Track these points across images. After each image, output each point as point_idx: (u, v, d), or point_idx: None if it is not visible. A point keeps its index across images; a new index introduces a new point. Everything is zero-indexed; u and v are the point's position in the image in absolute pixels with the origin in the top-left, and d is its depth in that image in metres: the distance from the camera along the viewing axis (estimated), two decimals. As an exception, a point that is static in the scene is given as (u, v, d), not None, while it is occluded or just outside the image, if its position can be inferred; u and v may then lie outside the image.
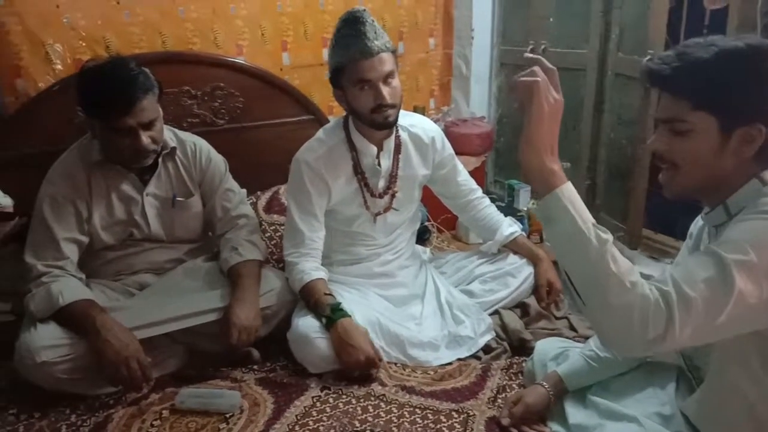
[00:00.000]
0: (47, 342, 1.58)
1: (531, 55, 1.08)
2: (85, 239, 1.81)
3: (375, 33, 1.74)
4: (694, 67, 1.06)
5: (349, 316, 1.75)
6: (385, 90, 1.76)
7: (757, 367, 1.10)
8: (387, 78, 1.77)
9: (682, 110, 1.09)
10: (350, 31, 1.75)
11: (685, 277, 0.98)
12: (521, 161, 1.04)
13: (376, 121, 1.81)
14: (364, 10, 1.78)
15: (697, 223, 1.32)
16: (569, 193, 1.03)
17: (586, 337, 1.79)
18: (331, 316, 1.73)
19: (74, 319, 1.63)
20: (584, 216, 1.01)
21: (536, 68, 1.04)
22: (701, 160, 1.10)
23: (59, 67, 2.16)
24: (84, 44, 2.18)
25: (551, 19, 2.86)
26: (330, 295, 1.80)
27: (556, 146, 1.04)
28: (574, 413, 1.42)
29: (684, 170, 1.12)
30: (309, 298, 1.80)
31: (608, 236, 1.01)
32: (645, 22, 2.40)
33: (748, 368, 1.11)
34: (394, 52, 1.80)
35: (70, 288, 1.68)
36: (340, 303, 1.77)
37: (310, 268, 1.84)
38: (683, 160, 1.12)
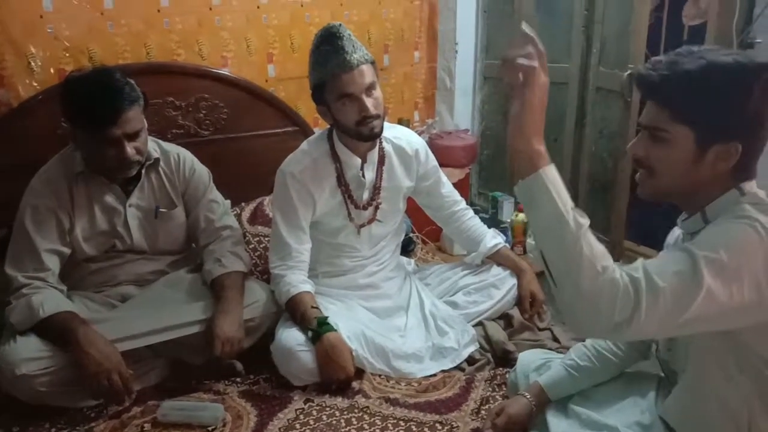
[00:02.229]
0: (27, 354, 1.57)
1: (527, 30, 1.06)
2: (66, 250, 1.80)
3: (353, 46, 1.75)
4: (680, 78, 1.07)
5: (336, 330, 1.75)
6: (368, 101, 1.77)
7: (733, 368, 1.11)
8: (369, 89, 1.78)
9: (664, 119, 1.10)
10: (328, 47, 1.76)
11: (657, 268, 1.01)
12: (510, 144, 1.05)
13: (363, 134, 1.82)
14: (340, 24, 1.79)
15: (674, 233, 1.35)
16: (552, 175, 1.03)
17: (570, 348, 1.80)
18: (318, 330, 1.73)
19: (55, 331, 1.61)
20: (564, 199, 1.02)
21: (533, 51, 1.03)
22: (676, 169, 1.12)
23: (42, 77, 2.14)
24: (68, 54, 2.17)
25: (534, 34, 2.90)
26: (317, 308, 1.80)
27: (542, 128, 1.04)
28: (556, 423, 1.42)
29: (658, 176, 1.15)
30: (295, 311, 1.80)
31: (585, 221, 1.02)
32: (626, 37, 2.45)
33: (724, 369, 1.12)
34: (373, 63, 1.81)
35: (51, 300, 1.66)
36: (327, 317, 1.77)
37: (297, 281, 1.84)
38: (658, 167, 1.14)
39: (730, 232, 1.05)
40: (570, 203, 1.03)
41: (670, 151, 1.11)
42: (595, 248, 1.00)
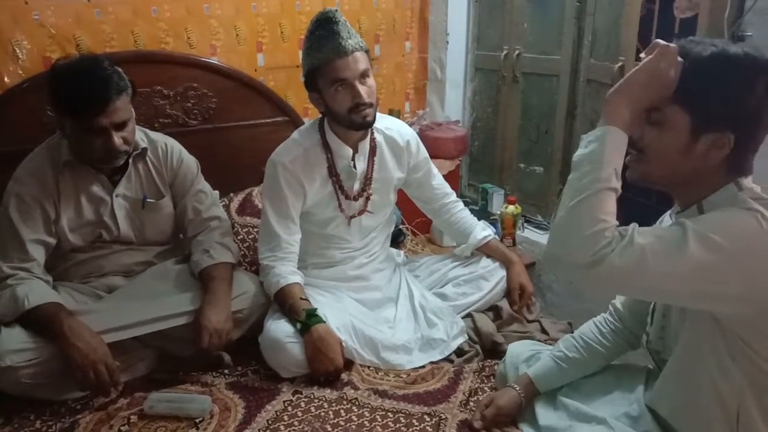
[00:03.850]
0: (12, 346, 1.54)
1: None
2: (52, 241, 1.78)
3: (348, 32, 1.75)
4: (687, 62, 1.08)
5: (324, 322, 1.74)
6: (361, 89, 1.76)
7: (725, 356, 1.12)
8: (362, 76, 1.77)
9: (663, 100, 1.11)
10: (323, 31, 1.75)
11: (644, 230, 1.07)
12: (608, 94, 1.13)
13: (355, 122, 1.80)
14: (336, 10, 1.78)
15: (662, 221, 1.34)
16: (616, 137, 1.09)
17: (558, 340, 1.81)
18: (307, 321, 1.72)
19: (41, 322, 1.59)
20: (611, 158, 1.08)
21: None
22: (667, 154, 1.13)
23: (27, 64, 2.11)
24: (53, 42, 2.14)
25: (525, 25, 2.89)
26: (306, 300, 1.79)
27: (639, 99, 1.10)
28: (545, 414, 1.43)
29: (648, 159, 1.16)
30: (284, 303, 1.79)
31: (617, 185, 1.08)
32: (617, 29, 2.44)
33: (716, 357, 1.13)
34: (367, 51, 1.80)
35: (36, 291, 1.64)
36: (315, 309, 1.76)
37: (287, 272, 1.83)
38: (650, 150, 1.15)
39: (732, 218, 1.06)
40: (615, 165, 1.09)
41: (664, 135, 1.12)
42: (607, 205, 1.07)
